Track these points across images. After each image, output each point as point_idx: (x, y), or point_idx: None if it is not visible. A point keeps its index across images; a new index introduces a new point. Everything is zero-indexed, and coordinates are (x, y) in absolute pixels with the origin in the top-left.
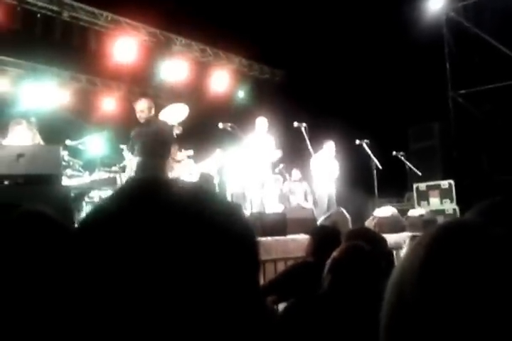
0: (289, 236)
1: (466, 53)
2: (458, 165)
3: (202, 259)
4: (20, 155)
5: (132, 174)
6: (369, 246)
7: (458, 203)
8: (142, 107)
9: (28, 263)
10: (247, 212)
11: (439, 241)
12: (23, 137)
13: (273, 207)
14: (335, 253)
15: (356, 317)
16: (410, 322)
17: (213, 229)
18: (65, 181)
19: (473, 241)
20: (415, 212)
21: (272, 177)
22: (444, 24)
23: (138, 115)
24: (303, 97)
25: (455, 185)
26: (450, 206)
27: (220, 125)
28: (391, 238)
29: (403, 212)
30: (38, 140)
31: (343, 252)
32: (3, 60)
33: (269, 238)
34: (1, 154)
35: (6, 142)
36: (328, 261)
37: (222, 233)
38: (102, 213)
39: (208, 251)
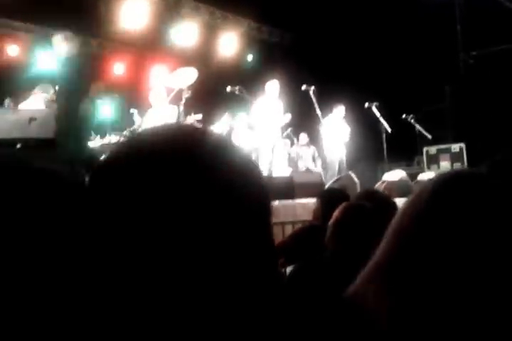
0: (297, 200)
1: (478, 13)
2: (469, 128)
3: (210, 214)
4: (32, 119)
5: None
6: (370, 204)
7: (469, 167)
8: (58, 41)
9: (37, 219)
10: None
11: (438, 191)
12: (41, 105)
13: (281, 171)
14: (335, 214)
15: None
16: (409, 269)
17: (225, 183)
18: None
19: (470, 190)
20: (425, 175)
21: (281, 141)
22: None
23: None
24: (312, 60)
25: (466, 149)
26: None
27: (229, 88)
28: (400, 202)
29: (413, 176)
30: None
31: (342, 212)
32: (13, 25)
33: (276, 201)
34: (14, 118)
35: (21, 106)
36: (330, 223)
37: (234, 189)
38: (110, 163)
39: (217, 207)
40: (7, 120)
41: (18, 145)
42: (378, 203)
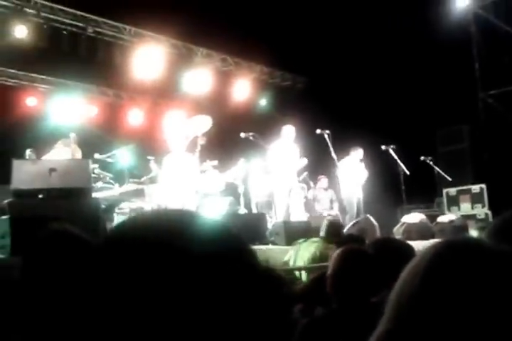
0: None
1: (496, 52)
2: (489, 168)
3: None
4: (52, 170)
5: None
6: (371, 250)
7: (490, 208)
8: None
9: (54, 275)
10: (272, 220)
11: (438, 262)
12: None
13: (298, 216)
14: (332, 264)
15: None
16: (407, 336)
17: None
18: (96, 193)
19: (472, 262)
20: (445, 217)
21: (297, 186)
22: (472, 22)
23: None
24: (326, 103)
25: (487, 189)
26: (482, 211)
27: (242, 135)
28: (420, 245)
29: (433, 218)
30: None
31: (339, 262)
32: (32, 77)
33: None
34: (35, 169)
35: (45, 157)
36: (328, 274)
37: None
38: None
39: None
40: (28, 171)
41: (40, 196)
42: (397, 250)
